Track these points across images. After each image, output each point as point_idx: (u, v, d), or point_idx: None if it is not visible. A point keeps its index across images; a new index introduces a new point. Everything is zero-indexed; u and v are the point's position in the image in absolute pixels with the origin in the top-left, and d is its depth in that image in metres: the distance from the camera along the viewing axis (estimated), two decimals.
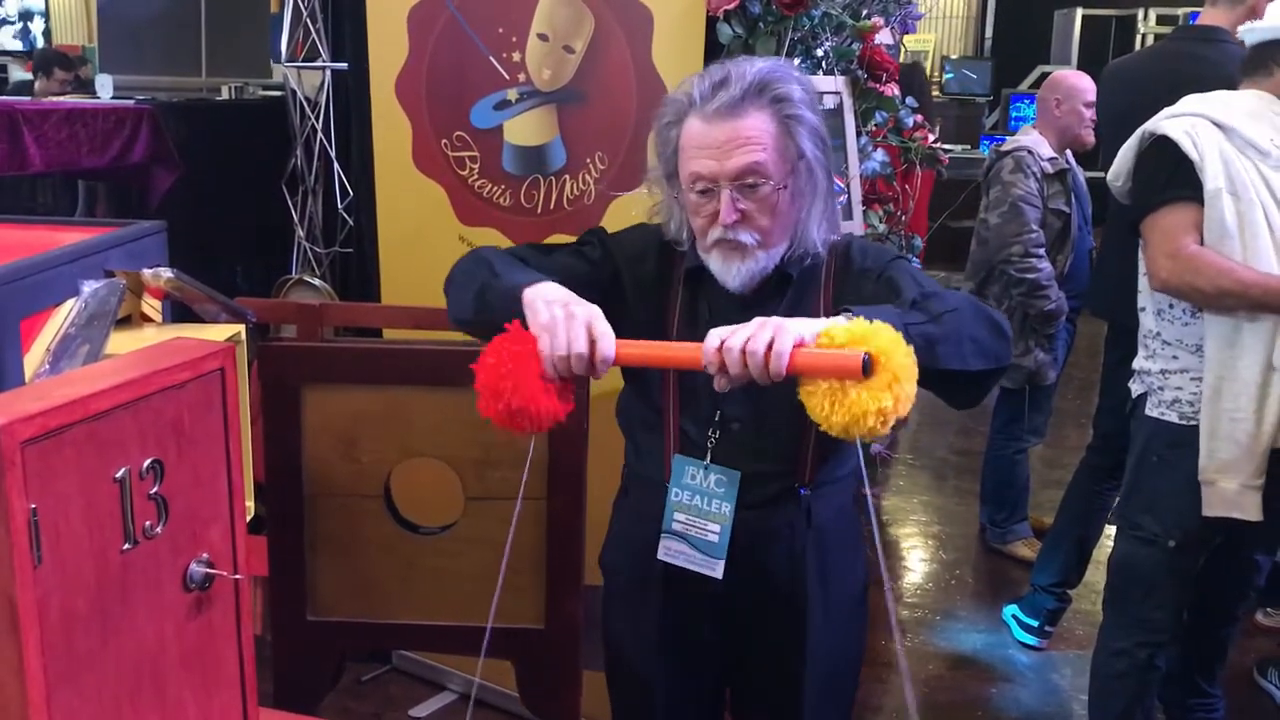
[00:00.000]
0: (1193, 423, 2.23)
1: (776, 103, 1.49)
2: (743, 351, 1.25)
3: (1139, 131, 2.27)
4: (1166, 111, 2.24)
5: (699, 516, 1.60)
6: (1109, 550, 3.58)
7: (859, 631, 1.81)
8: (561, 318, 1.34)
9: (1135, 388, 2.41)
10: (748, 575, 1.61)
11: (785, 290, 1.59)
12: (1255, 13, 2.79)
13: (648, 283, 1.65)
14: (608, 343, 1.33)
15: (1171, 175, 2.16)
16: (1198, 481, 2.22)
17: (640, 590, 1.72)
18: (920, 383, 1.30)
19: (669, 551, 1.62)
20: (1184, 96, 2.33)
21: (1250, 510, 2.17)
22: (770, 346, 1.23)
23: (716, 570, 1.59)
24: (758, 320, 1.27)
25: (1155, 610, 2.39)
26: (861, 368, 1.20)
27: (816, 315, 1.56)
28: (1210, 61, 2.78)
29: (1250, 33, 2.27)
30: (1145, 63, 3.14)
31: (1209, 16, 2.89)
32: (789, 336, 1.24)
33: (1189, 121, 2.17)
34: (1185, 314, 2.25)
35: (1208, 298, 2.14)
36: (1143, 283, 2.36)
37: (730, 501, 1.58)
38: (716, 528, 1.59)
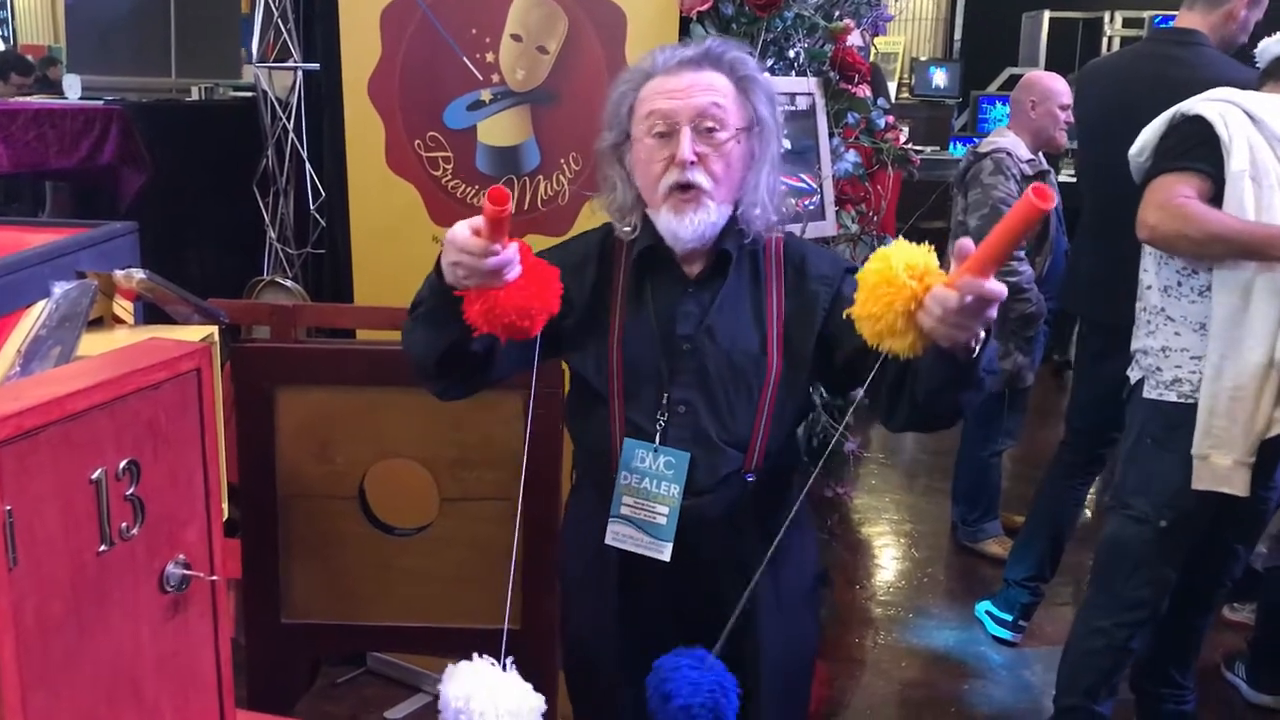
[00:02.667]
0: (1190, 401, 2.29)
1: (733, 68, 1.57)
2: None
3: (1170, 111, 2.32)
4: (1200, 96, 2.30)
5: (647, 499, 1.60)
6: (1081, 546, 3.63)
7: (812, 620, 1.83)
8: (441, 255, 1.40)
9: (1133, 373, 2.46)
10: (696, 561, 1.62)
11: (725, 269, 1.61)
12: (1231, 16, 2.86)
13: (589, 283, 1.67)
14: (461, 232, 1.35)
15: (1192, 149, 2.22)
16: (1191, 461, 2.27)
17: (596, 586, 1.72)
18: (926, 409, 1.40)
19: (617, 536, 1.62)
20: (1162, 96, 2.39)
21: (1239, 486, 2.24)
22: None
23: (664, 553, 1.59)
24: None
25: (1140, 589, 2.44)
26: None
27: (770, 308, 1.62)
28: (1188, 63, 2.83)
29: (1266, 51, 2.40)
30: (1125, 63, 3.18)
31: (1186, 19, 2.94)
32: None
33: (1223, 106, 2.23)
34: (1193, 292, 2.30)
35: (1195, 244, 2.19)
36: (1148, 260, 2.40)
37: (679, 483, 1.58)
38: (664, 510, 1.59)
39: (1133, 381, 2.46)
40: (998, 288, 1.18)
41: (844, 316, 1.31)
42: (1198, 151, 2.21)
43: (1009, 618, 3.38)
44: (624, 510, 1.62)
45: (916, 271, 1.22)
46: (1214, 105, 2.24)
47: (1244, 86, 2.50)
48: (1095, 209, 3.17)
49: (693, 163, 1.52)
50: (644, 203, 1.62)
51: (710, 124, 1.53)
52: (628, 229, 1.64)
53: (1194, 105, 2.27)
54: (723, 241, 1.60)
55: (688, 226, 1.55)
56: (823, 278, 1.63)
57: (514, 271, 1.37)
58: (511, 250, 1.35)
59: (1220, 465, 2.24)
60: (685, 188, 1.53)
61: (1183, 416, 2.31)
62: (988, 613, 3.44)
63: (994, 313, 1.21)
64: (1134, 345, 2.46)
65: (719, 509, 1.61)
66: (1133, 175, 2.42)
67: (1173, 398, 2.34)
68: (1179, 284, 2.33)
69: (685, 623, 1.71)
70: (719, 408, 1.60)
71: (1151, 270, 2.40)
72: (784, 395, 1.61)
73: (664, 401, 1.60)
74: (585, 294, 1.66)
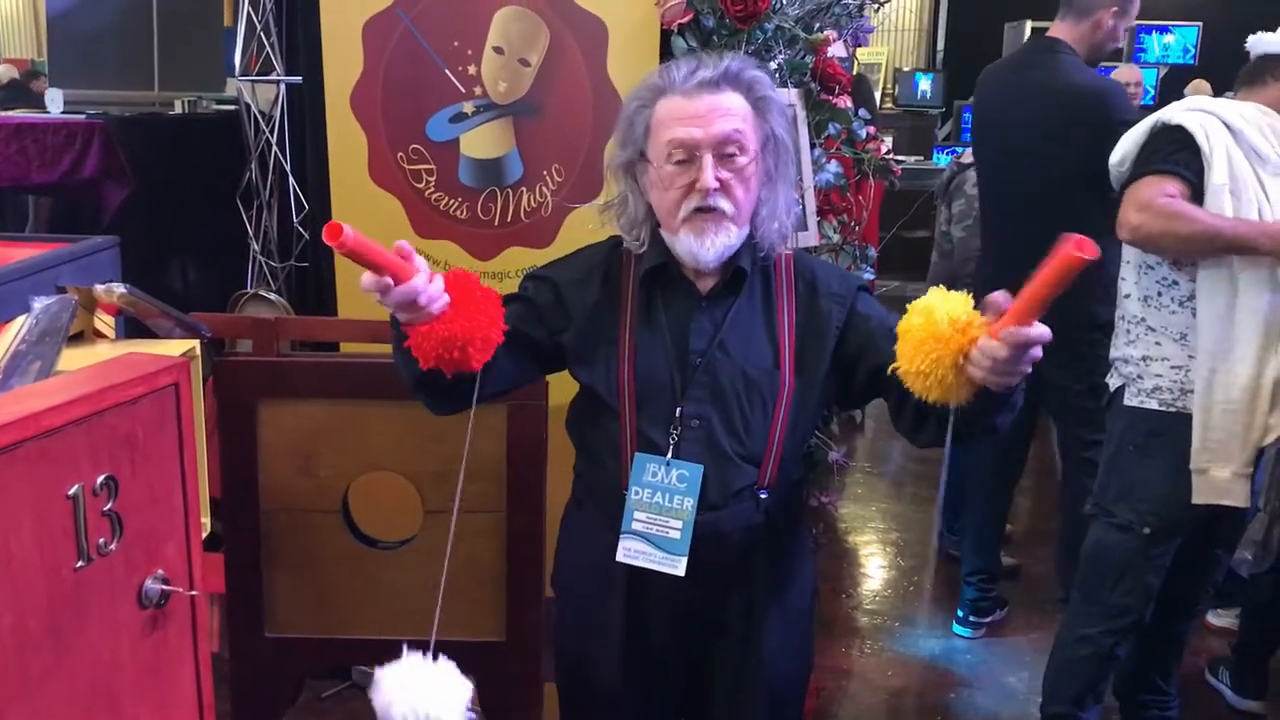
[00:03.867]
0: (1173, 409, 2.30)
1: (751, 88, 1.56)
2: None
3: (1151, 120, 2.34)
4: (1179, 105, 2.32)
5: (660, 514, 1.58)
6: (1040, 549, 3.64)
7: (809, 640, 1.83)
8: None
9: (1113, 381, 2.47)
10: (707, 577, 1.61)
11: (739, 287, 1.61)
12: (1099, 26, 2.97)
13: (594, 297, 1.66)
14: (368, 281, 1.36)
15: (1172, 154, 2.24)
16: (1176, 469, 2.29)
17: (600, 602, 1.70)
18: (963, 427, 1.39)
19: (628, 552, 1.60)
20: (1027, 98, 2.60)
21: (1239, 497, 2.25)
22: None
23: (679, 567, 1.57)
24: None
25: (1125, 597, 2.44)
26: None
27: (782, 325, 1.61)
28: (1046, 69, 2.98)
29: (1258, 44, 2.39)
30: (1007, 69, 3.33)
31: (1055, 29, 3.08)
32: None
33: (1202, 117, 2.24)
34: (1173, 303, 2.32)
35: (1182, 241, 2.19)
36: (1126, 269, 2.42)
37: (693, 496, 1.57)
38: (678, 524, 1.57)
39: (1112, 389, 2.47)
40: (1042, 332, 1.20)
41: (889, 372, 1.33)
42: (1179, 157, 2.22)
43: (960, 614, 3.45)
44: (636, 525, 1.60)
45: (960, 324, 1.23)
46: (1194, 115, 2.25)
47: (1084, 90, 2.70)
48: (987, 211, 3.26)
49: (716, 189, 1.52)
50: (654, 218, 1.61)
51: (732, 149, 1.52)
52: (636, 243, 1.64)
53: (1174, 114, 2.28)
54: (737, 258, 1.59)
55: (708, 249, 1.54)
56: (834, 295, 1.63)
57: (437, 304, 1.37)
58: (419, 282, 1.33)
59: (1219, 478, 2.25)
60: (707, 210, 1.53)
61: (1165, 424, 2.32)
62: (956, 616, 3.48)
63: (1039, 353, 1.23)
64: (1113, 354, 2.47)
65: (733, 525, 1.61)
66: (1112, 184, 2.44)
67: (1154, 405, 2.35)
68: (1159, 294, 2.34)
69: (690, 638, 1.71)
70: (734, 422, 1.59)
71: (1131, 279, 2.41)
72: (797, 411, 1.61)
73: (677, 415, 1.59)
74: (588, 307, 1.65)
